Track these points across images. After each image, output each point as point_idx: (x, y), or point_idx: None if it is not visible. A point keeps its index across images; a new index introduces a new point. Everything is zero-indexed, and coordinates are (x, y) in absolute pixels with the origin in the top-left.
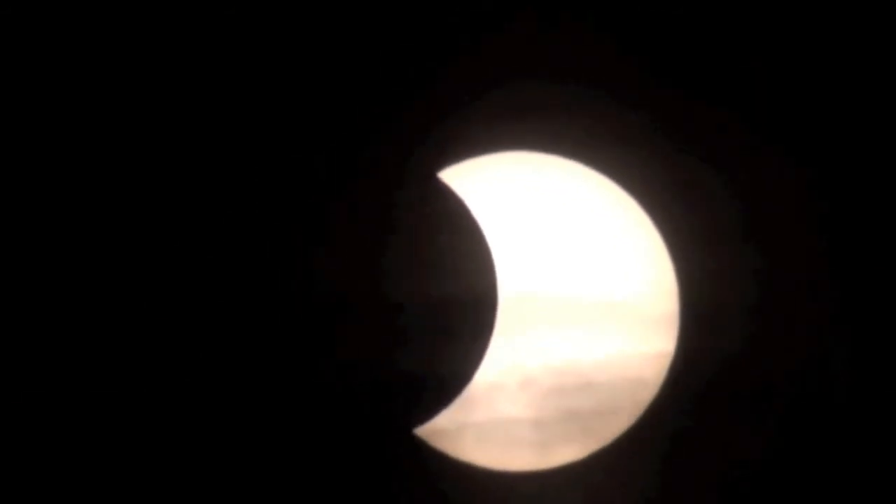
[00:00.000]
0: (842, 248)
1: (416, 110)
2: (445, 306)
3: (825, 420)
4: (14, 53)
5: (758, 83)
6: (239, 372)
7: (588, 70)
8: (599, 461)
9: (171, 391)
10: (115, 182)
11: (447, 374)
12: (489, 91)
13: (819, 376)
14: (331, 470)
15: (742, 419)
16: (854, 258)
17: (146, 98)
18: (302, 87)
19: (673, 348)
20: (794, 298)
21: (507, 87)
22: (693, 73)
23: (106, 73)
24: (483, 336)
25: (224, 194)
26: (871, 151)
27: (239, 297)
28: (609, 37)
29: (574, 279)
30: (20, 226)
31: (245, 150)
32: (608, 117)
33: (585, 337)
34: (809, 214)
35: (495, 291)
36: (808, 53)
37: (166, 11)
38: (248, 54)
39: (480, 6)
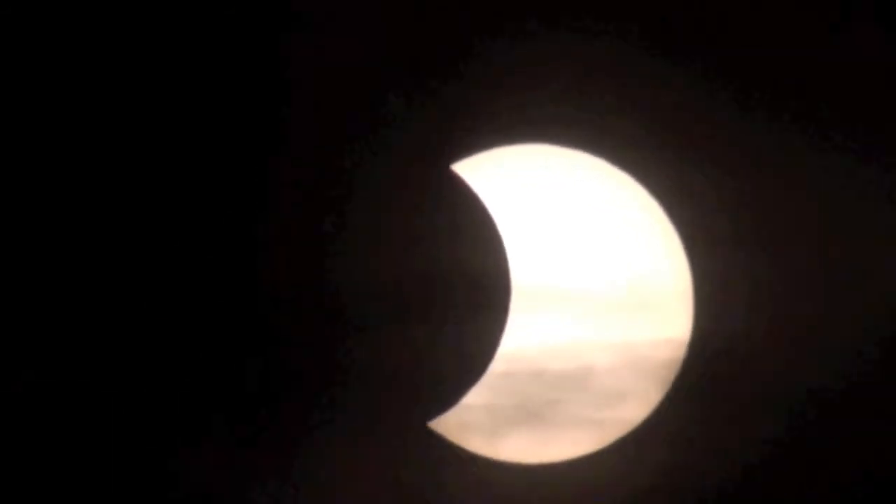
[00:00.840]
0: (857, 240)
1: (428, 102)
2: (457, 299)
3: (835, 421)
4: (14, 53)
5: (776, 74)
6: (249, 361)
7: (604, 63)
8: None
9: (182, 380)
10: (131, 180)
11: (458, 365)
12: (502, 83)
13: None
14: (342, 461)
15: (748, 416)
16: (868, 249)
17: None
18: (315, 79)
19: (686, 339)
20: (807, 296)
21: (521, 79)
22: (710, 66)
23: (101, 73)
24: (495, 327)
25: (237, 189)
26: (889, 149)
27: (251, 286)
28: (626, 29)
29: (587, 272)
30: (20, 226)
31: (256, 141)
32: (622, 110)
33: (598, 328)
34: (826, 206)
35: (508, 283)
36: (830, 50)
37: (176, 9)
38: (258, 44)
39: None
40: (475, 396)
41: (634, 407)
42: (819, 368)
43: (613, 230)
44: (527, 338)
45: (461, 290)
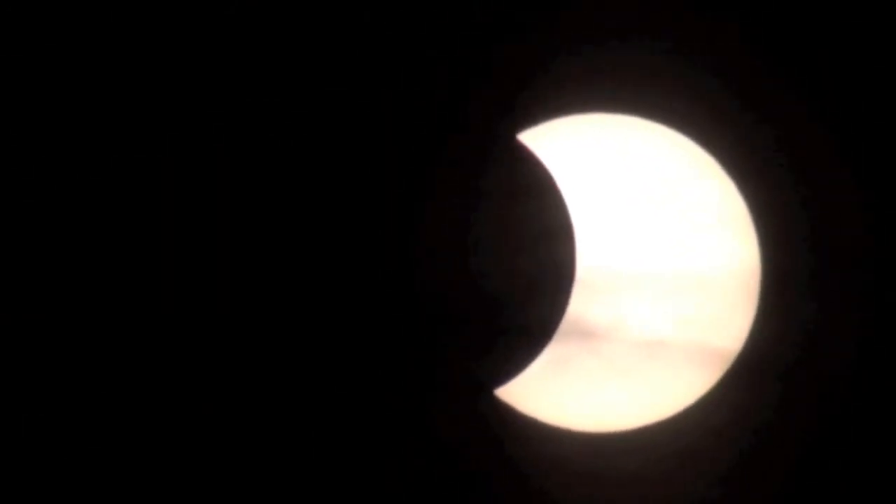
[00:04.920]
0: None
1: (496, 72)
2: (525, 268)
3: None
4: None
5: (844, 48)
6: (319, 333)
7: (670, 31)
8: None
9: (264, 351)
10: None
11: (526, 336)
12: (570, 52)
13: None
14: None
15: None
16: None
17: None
18: (380, 50)
19: (751, 319)
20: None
21: (587, 48)
22: (778, 35)
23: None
24: (561, 297)
25: (315, 164)
26: None
27: (323, 258)
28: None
29: (653, 241)
30: (26, 226)
31: (324, 114)
32: (690, 79)
33: (663, 299)
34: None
35: (574, 253)
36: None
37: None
38: (326, 22)
39: None
40: (541, 366)
41: (698, 379)
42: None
43: (680, 200)
44: (592, 307)
45: (528, 258)
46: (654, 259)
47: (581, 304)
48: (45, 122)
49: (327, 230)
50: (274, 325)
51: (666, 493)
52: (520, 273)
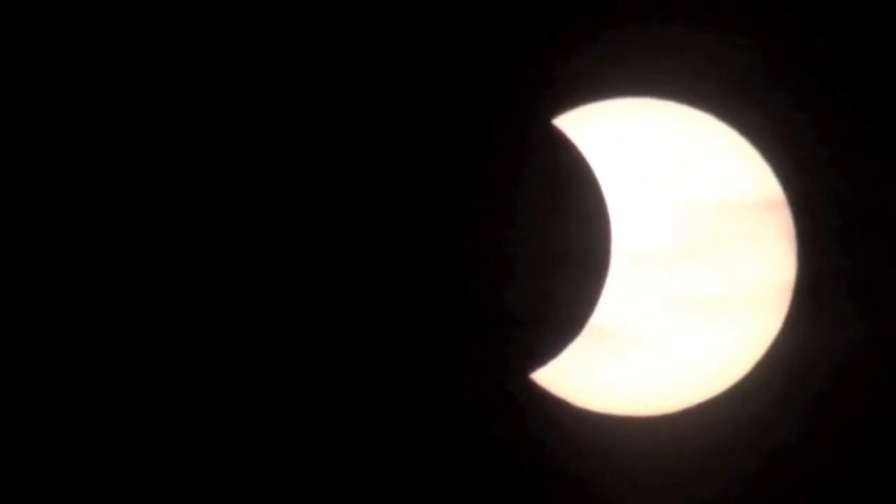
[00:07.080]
0: None
1: (529, 56)
2: (559, 253)
3: None
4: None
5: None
6: (352, 314)
7: (707, 15)
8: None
9: (298, 344)
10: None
11: (559, 320)
12: (604, 37)
13: None
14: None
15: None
16: None
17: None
18: (414, 35)
19: (789, 302)
20: None
21: (622, 32)
22: (817, 19)
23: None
24: (597, 280)
25: (348, 144)
26: None
27: (359, 237)
28: None
29: (689, 228)
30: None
31: (358, 96)
32: (726, 63)
33: (697, 284)
34: None
35: (609, 238)
36: None
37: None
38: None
39: None
40: (577, 349)
41: (735, 362)
42: None
43: (718, 186)
44: (628, 291)
45: (563, 241)
46: (689, 242)
47: (616, 288)
48: (44, 122)
49: (363, 211)
50: (302, 302)
51: (700, 478)
52: (555, 257)
